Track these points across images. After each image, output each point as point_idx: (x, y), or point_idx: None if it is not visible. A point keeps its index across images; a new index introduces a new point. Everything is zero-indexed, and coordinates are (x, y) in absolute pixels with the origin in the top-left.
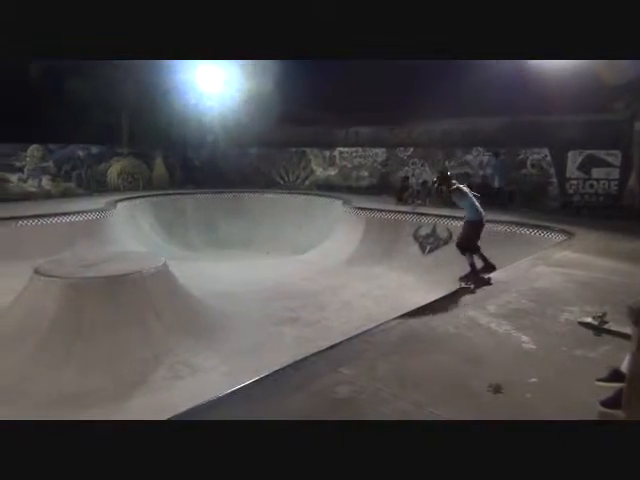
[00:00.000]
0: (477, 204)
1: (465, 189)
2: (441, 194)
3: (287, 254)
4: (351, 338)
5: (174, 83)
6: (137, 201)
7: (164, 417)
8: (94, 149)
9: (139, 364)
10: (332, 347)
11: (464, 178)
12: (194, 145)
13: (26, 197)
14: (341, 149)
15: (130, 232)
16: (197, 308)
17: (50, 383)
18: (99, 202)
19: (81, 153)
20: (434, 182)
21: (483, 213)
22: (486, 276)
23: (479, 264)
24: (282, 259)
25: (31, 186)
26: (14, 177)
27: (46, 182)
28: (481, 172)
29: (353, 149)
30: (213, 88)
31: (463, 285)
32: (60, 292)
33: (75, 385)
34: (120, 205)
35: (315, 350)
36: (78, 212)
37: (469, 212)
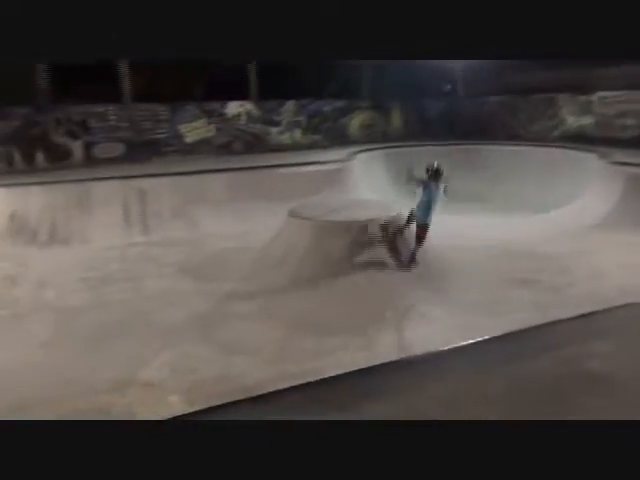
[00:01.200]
0: None
1: None
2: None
3: (527, 213)
4: (606, 310)
5: None
6: (374, 153)
7: (399, 353)
8: (339, 103)
9: (375, 302)
10: (582, 316)
11: None
12: (431, 96)
13: (281, 148)
14: (602, 93)
15: (366, 182)
16: (428, 259)
17: (296, 308)
18: (341, 153)
19: (327, 107)
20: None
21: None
22: None
23: None
24: (520, 218)
25: (286, 138)
26: (274, 130)
27: (298, 135)
28: None
29: (618, 93)
30: None
31: None
32: (311, 232)
33: (319, 314)
34: (359, 156)
35: (556, 318)
36: (323, 162)
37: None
